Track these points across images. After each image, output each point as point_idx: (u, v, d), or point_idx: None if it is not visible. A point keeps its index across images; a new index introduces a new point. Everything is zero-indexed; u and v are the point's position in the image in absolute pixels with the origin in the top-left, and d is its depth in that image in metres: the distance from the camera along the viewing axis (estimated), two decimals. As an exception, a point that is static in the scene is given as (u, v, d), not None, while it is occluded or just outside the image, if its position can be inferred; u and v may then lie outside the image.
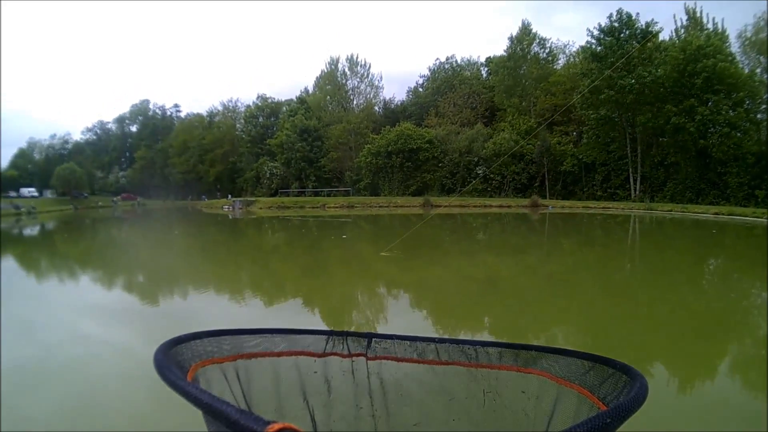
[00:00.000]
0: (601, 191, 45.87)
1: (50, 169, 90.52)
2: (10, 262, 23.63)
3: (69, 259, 23.45)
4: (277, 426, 0.78)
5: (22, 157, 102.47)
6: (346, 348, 1.61)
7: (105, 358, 7.97)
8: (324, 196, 62.19)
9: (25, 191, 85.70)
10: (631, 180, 43.73)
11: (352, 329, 5.54)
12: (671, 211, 34.97)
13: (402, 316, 10.44)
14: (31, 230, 45.40)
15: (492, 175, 50.47)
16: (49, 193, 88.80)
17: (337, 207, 55.03)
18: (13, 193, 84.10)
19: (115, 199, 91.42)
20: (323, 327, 9.39)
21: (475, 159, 51.49)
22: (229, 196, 72.41)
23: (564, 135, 49.66)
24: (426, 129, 56.85)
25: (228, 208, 62.46)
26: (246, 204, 62.18)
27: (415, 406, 1.59)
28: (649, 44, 41.60)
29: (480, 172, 51.04)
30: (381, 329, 9.19)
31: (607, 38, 43.14)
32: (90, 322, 10.71)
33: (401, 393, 1.59)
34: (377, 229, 33.96)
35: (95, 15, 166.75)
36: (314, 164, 65.75)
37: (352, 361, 1.60)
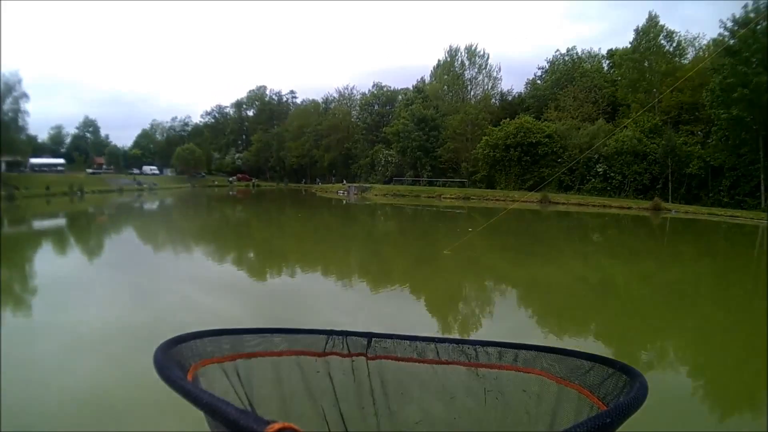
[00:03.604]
0: (728, 198, 43.81)
1: (171, 149, 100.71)
2: (130, 234, 27.60)
3: (185, 233, 26.35)
4: (277, 426, 0.81)
5: (145, 137, 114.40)
6: (346, 347, 1.66)
7: (213, 325, 9.81)
8: (439, 186, 64.55)
9: (147, 169, 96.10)
10: (762, 188, 41.40)
11: (458, 322, 8.32)
12: (806, 225, 32.26)
13: (505, 316, 11.04)
14: (152, 205, 50.53)
15: (612, 174, 50.60)
16: (168, 171, 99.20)
17: (452, 198, 56.70)
18: (136, 170, 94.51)
19: (231, 179, 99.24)
20: (428, 317, 10.72)
21: (596, 156, 51.68)
22: (344, 181, 76.52)
23: (690, 135, 48.70)
24: (545, 123, 57.55)
25: (343, 193, 66.01)
26: (361, 190, 65.55)
27: (417, 405, 1.65)
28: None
29: (600, 170, 51.48)
30: (486, 327, 10.13)
31: (741, 30, 40.28)
32: (200, 292, 11.94)
33: (402, 392, 1.64)
34: (493, 223, 35.36)
35: (218, 5, 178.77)
36: (430, 154, 68.18)
37: (352, 361, 1.65)
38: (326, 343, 1.67)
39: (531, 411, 1.51)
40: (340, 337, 1.68)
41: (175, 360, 1.26)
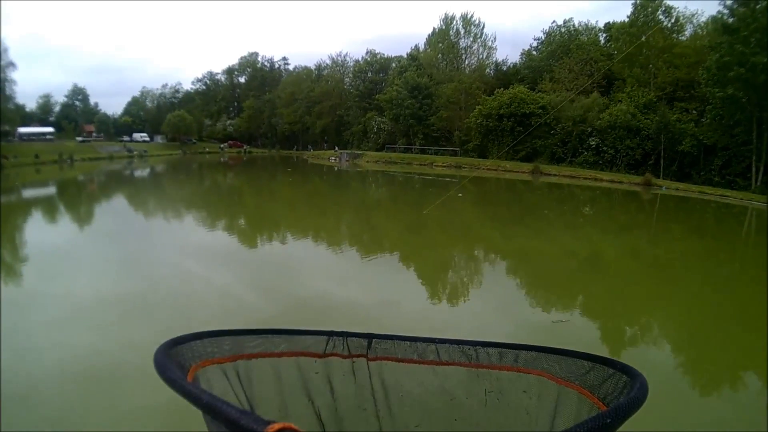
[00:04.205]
0: (718, 177, 43.41)
1: (161, 117, 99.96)
2: (121, 201, 27.72)
3: (177, 200, 26.75)
4: (277, 426, 0.81)
5: (135, 104, 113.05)
6: (347, 348, 1.65)
7: (205, 294, 9.03)
8: (431, 154, 64.89)
9: (138, 136, 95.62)
10: (754, 169, 40.94)
11: (447, 292, 8.65)
12: (796, 208, 32.13)
13: (494, 287, 11.31)
14: (142, 172, 51.14)
15: (605, 148, 50.64)
16: (159, 138, 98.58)
17: (444, 166, 57.45)
18: (126, 138, 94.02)
19: (222, 145, 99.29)
20: (417, 286, 11.05)
21: (589, 129, 51.99)
22: (336, 147, 76.89)
23: (685, 112, 48.23)
24: (540, 94, 57.42)
25: (334, 160, 66.53)
26: (353, 157, 66.03)
27: (417, 407, 1.65)
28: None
29: (593, 143, 51.57)
30: (473, 297, 10.39)
31: (741, 9, 40.10)
32: (192, 260, 12.13)
33: (402, 393, 1.64)
34: (484, 192, 35.86)
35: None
36: (423, 122, 68.07)
37: (353, 362, 1.65)
38: (327, 344, 1.65)
39: (531, 412, 1.52)
40: (341, 338, 1.66)
41: (176, 360, 1.25)
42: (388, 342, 1.67)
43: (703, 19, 54.00)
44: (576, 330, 8.21)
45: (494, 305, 9.90)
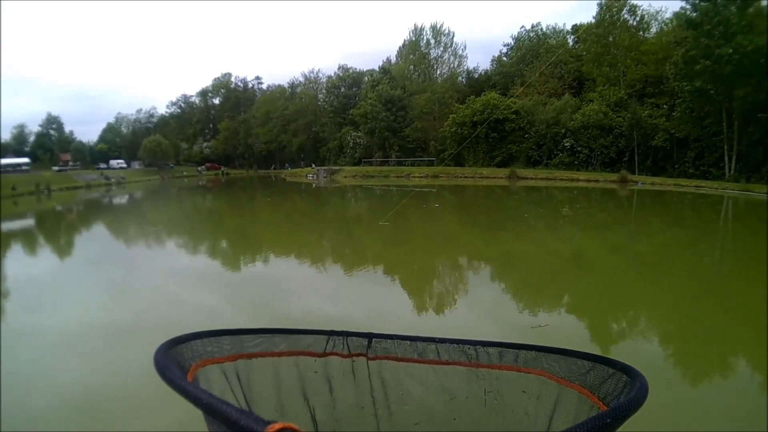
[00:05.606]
0: (693, 169, 44.14)
1: (137, 142, 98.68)
2: (101, 229, 27.06)
3: (158, 225, 26.02)
4: (277, 426, 0.81)
5: (111, 131, 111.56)
6: (347, 348, 1.65)
7: (195, 319, 8.70)
8: (408, 165, 64.71)
9: (114, 163, 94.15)
10: (726, 158, 41.71)
11: (434, 302, 8.23)
12: (769, 193, 32.41)
13: (482, 292, 10.95)
14: (121, 199, 49.76)
15: (579, 148, 50.96)
16: (136, 164, 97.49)
17: (421, 177, 57.36)
18: (103, 165, 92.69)
19: (199, 168, 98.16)
20: (404, 297, 10.74)
21: (563, 131, 52.17)
22: (313, 165, 76.21)
23: (655, 107, 48.76)
24: (512, 99, 57.22)
25: (312, 177, 65.86)
26: (330, 173, 65.51)
27: (416, 406, 1.64)
28: (750, 10, 39.36)
29: (567, 144, 51.81)
30: (461, 303, 10.17)
31: (703, 3, 40.83)
32: (179, 285, 11.92)
33: (402, 392, 1.64)
34: (463, 199, 35.59)
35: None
36: (398, 134, 67.85)
37: (353, 361, 1.65)
38: (327, 344, 1.67)
39: (531, 411, 1.52)
40: (341, 337, 1.68)
41: (176, 360, 1.27)
42: (388, 341, 1.68)
43: (668, 15, 54.87)
44: (562, 331, 7.91)
45: (479, 311, 9.50)
